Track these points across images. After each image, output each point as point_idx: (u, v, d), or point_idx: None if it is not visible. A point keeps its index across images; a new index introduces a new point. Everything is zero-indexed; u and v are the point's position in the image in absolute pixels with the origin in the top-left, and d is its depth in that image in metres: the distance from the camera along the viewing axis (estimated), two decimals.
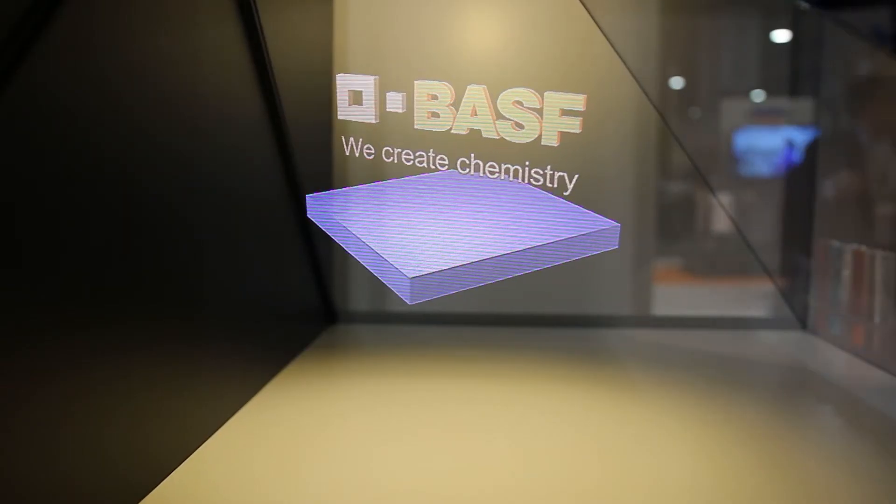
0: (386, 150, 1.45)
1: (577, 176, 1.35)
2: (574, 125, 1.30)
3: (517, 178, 1.38)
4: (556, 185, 1.38)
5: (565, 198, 1.42)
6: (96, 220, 1.17)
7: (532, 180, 1.38)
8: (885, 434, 1.70)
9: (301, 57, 2.24)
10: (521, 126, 1.33)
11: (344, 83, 1.43)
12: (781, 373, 2.28)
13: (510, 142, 1.38)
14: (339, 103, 1.43)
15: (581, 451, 1.54)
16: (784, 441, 1.60)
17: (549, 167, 1.37)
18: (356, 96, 1.43)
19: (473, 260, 1.40)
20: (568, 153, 1.43)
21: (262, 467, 1.43)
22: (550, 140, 1.31)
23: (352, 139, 1.47)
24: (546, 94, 1.31)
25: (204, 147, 1.58)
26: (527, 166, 1.37)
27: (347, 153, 1.47)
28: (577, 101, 1.29)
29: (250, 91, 1.88)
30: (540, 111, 1.32)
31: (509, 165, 1.39)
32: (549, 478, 1.40)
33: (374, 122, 1.42)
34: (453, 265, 1.38)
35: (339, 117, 1.45)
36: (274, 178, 2.10)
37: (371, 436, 1.63)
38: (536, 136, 1.33)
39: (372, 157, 1.45)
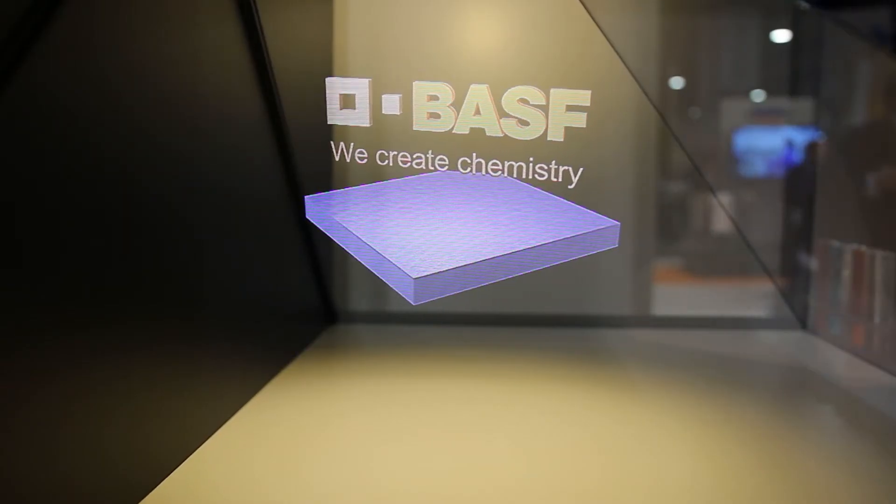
0: (381, 154, 1.44)
1: (581, 169, 1.36)
2: (580, 120, 1.32)
3: (521, 175, 1.39)
4: (560, 180, 1.39)
5: (570, 191, 1.43)
6: (96, 220, 1.17)
7: (536, 176, 1.39)
8: (885, 434, 1.70)
9: (301, 57, 2.24)
10: (525, 123, 1.34)
11: (334, 86, 1.42)
12: (781, 373, 2.28)
13: (508, 140, 1.38)
14: (328, 107, 1.42)
15: (581, 451, 1.54)
16: (784, 441, 1.60)
17: (553, 162, 1.38)
18: (348, 99, 1.42)
19: (476, 260, 1.40)
20: (569, 154, 1.43)
21: (262, 467, 1.43)
22: (557, 135, 1.33)
23: (342, 144, 1.45)
24: (552, 90, 1.33)
25: (204, 147, 1.58)
26: (531, 162, 1.38)
27: (337, 158, 1.45)
28: (583, 97, 1.31)
29: (250, 91, 1.88)
30: (545, 108, 1.33)
31: (512, 162, 1.39)
32: (549, 478, 1.40)
33: (367, 125, 1.41)
34: (456, 265, 1.38)
35: (329, 122, 1.44)
36: (274, 178, 2.10)
37: (371, 436, 1.63)
38: (542, 132, 1.34)
39: (364, 161, 1.44)
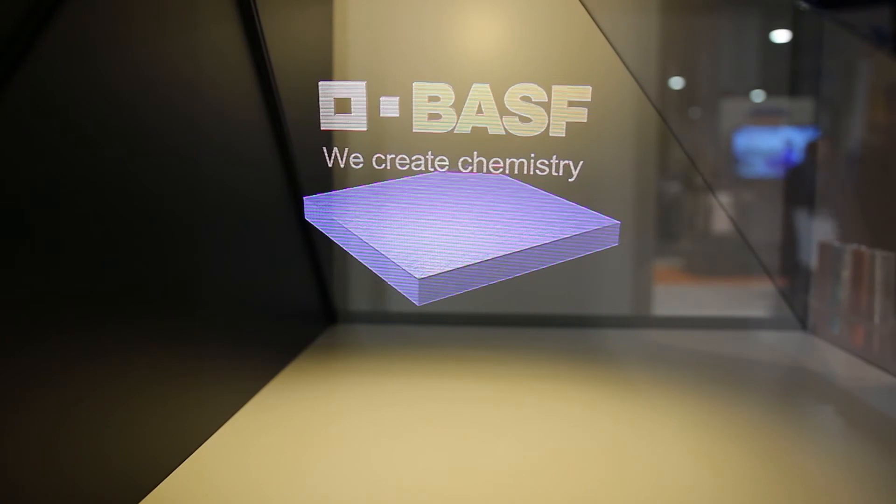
0: (377, 157, 1.43)
1: (581, 163, 1.38)
2: (581, 115, 1.34)
3: (523, 171, 1.40)
4: (561, 173, 1.40)
5: (571, 192, 1.45)
6: (96, 220, 1.17)
7: (538, 171, 1.40)
8: (885, 434, 1.70)
9: (302, 57, 2.24)
10: (527, 120, 1.36)
11: (329, 91, 1.41)
12: (782, 373, 2.28)
13: (507, 139, 1.39)
14: (322, 113, 1.41)
15: (581, 450, 1.54)
16: (784, 441, 1.60)
17: (554, 157, 1.39)
18: (343, 104, 1.41)
19: (480, 260, 1.41)
20: (569, 154, 1.44)
21: (262, 467, 1.43)
22: (559, 131, 1.35)
23: (335, 150, 1.44)
24: (553, 87, 1.34)
25: (204, 147, 1.58)
26: (532, 158, 1.39)
27: (331, 164, 1.44)
28: (584, 93, 1.36)
29: (251, 91, 1.88)
30: (547, 105, 1.35)
31: (514, 160, 1.40)
32: (549, 477, 1.40)
33: (364, 129, 1.41)
34: (460, 265, 1.39)
35: (323, 127, 1.42)
36: (274, 178, 2.10)
37: (371, 436, 1.63)
38: (543, 128, 1.36)
39: (360, 166, 1.44)
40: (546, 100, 1.36)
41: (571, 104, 1.36)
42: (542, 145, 1.40)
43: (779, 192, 2.78)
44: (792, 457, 1.51)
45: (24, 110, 1.00)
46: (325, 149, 1.43)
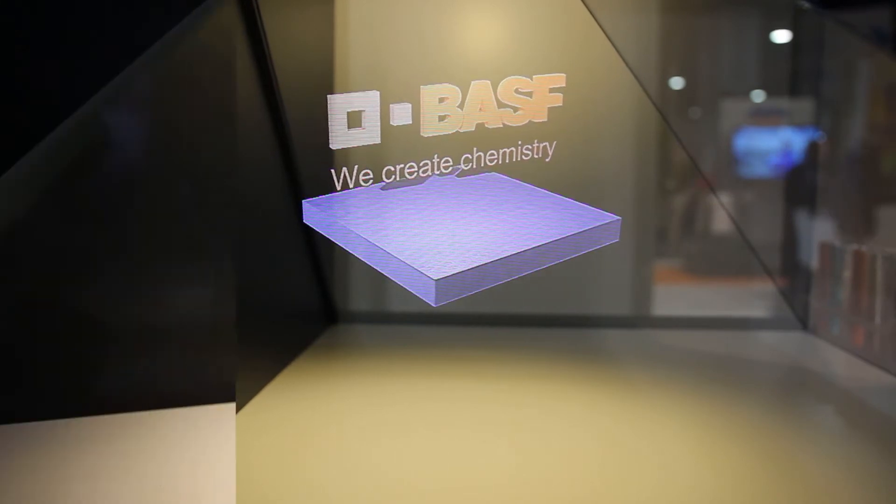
0: (387, 170, 1.39)
1: (555, 142, 1.42)
2: (558, 100, 1.46)
3: (513, 159, 1.45)
4: (540, 155, 1.47)
5: (572, 192, 1.48)
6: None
7: (522, 157, 1.48)
8: (885, 434, 1.70)
9: (303, 56, 2.24)
10: (517, 109, 1.40)
11: (338, 105, 1.28)
12: (782, 373, 2.28)
13: (502, 130, 1.42)
14: (332, 130, 1.27)
15: (581, 450, 1.54)
16: (784, 441, 1.60)
17: (535, 141, 1.45)
18: (354, 118, 1.32)
19: (494, 259, 1.40)
20: (568, 152, 1.44)
21: (263, 468, 1.43)
22: (542, 117, 1.40)
23: (344, 170, 1.34)
24: (535, 76, 1.44)
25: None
26: (520, 145, 1.44)
27: (339, 188, 1.34)
28: (560, 80, 1.47)
29: (253, 91, 1.88)
30: (531, 94, 1.40)
31: (506, 149, 1.44)
32: (549, 477, 1.40)
33: (378, 142, 1.34)
34: (474, 265, 1.38)
35: (333, 147, 1.28)
36: (275, 178, 2.10)
37: (371, 436, 1.63)
38: (532, 116, 1.41)
39: (370, 182, 1.39)
40: (532, 90, 1.42)
41: (552, 91, 1.44)
42: (540, 136, 1.43)
43: (779, 192, 2.78)
44: (792, 457, 1.51)
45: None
46: (332, 171, 1.33)
